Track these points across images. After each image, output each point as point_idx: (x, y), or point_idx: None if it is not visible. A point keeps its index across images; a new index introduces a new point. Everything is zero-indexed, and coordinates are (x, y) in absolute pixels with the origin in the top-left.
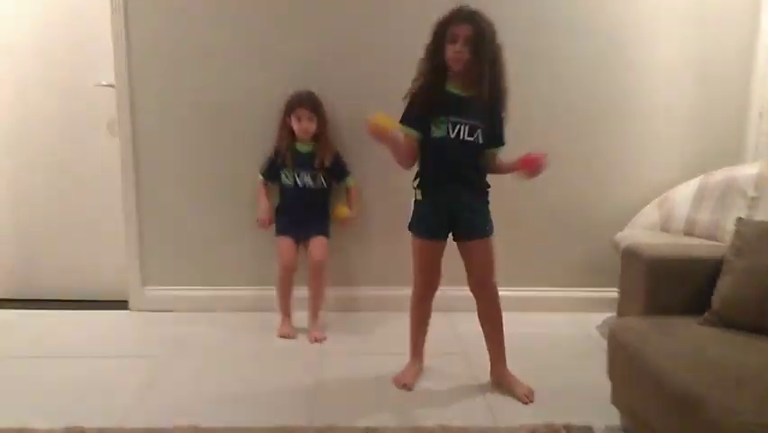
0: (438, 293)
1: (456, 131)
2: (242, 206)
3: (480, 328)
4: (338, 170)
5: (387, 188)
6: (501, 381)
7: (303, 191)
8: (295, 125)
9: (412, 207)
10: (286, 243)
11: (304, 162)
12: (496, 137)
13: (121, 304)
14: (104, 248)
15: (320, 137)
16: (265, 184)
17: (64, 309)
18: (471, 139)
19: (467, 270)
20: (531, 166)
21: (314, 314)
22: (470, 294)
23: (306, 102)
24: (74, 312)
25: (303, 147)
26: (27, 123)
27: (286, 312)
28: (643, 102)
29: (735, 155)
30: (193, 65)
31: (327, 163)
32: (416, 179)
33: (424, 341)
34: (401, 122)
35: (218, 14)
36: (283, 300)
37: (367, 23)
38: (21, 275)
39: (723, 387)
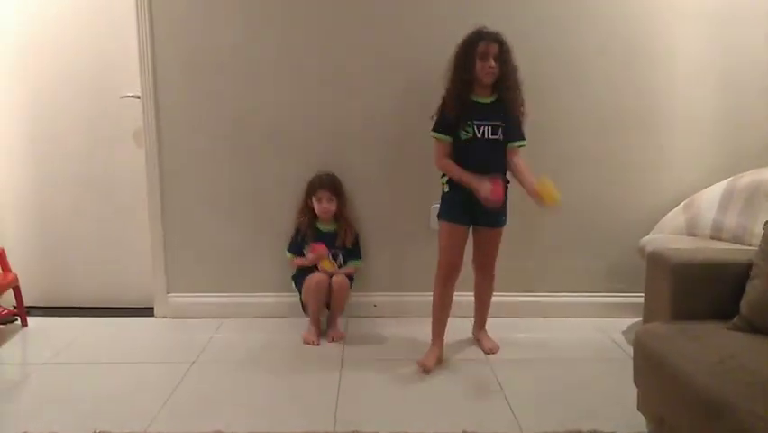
0: (464, 299)
1: (481, 132)
2: (264, 214)
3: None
4: (354, 252)
5: (400, 199)
6: (477, 336)
7: None
8: (316, 206)
9: (440, 201)
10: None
11: (326, 242)
12: (514, 133)
13: (146, 311)
14: (129, 256)
15: (340, 217)
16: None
17: (90, 317)
18: (496, 137)
19: (477, 251)
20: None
21: (333, 321)
22: (498, 300)
23: (326, 184)
24: (100, 319)
25: (325, 226)
26: (54, 133)
27: (314, 321)
28: (668, 104)
29: (762, 157)
30: (217, 76)
31: (349, 244)
32: (443, 175)
33: (444, 327)
34: (434, 129)
35: (244, 26)
36: (313, 310)
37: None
38: (48, 283)
39: (753, 394)
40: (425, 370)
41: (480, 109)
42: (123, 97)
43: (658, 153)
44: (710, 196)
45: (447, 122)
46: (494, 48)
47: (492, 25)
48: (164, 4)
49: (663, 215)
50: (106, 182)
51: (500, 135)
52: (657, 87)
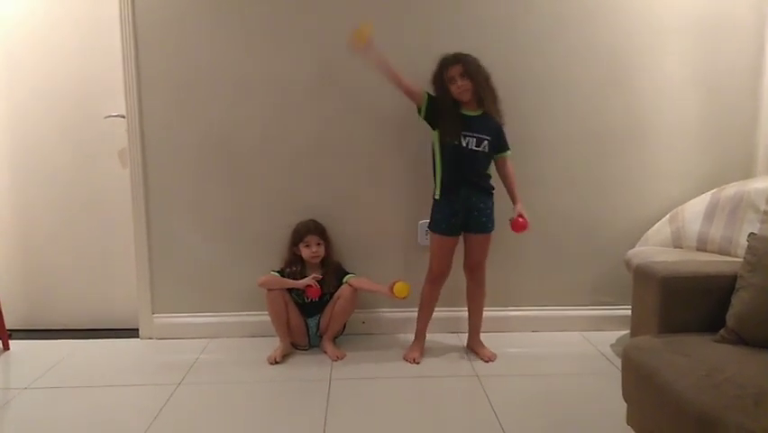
0: (452, 314)
1: (466, 142)
2: (250, 233)
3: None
4: (341, 276)
5: (388, 214)
6: (474, 347)
7: (311, 304)
8: (305, 252)
9: (431, 209)
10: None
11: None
12: (501, 145)
13: (131, 332)
14: (114, 277)
15: (327, 262)
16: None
17: (75, 339)
18: (479, 149)
19: (466, 255)
20: (516, 228)
21: (330, 338)
22: (487, 315)
23: (313, 230)
24: (85, 341)
25: (314, 274)
26: (38, 154)
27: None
28: (652, 118)
29: (745, 169)
30: (202, 96)
31: (333, 288)
32: (435, 176)
33: (427, 324)
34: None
35: (228, 46)
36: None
37: None
38: (32, 305)
39: (741, 407)
40: (415, 361)
41: (469, 122)
42: (107, 117)
43: (643, 166)
44: (695, 208)
45: (440, 105)
46: (457, 68)
47: (476, 43)
48: (149, 24)
49: (649, 227)
50: (91, 202)
51: (484, 148)
52: (641, 100)
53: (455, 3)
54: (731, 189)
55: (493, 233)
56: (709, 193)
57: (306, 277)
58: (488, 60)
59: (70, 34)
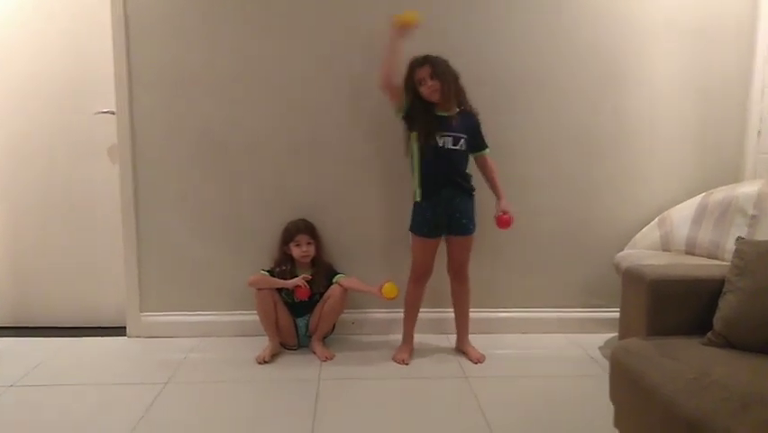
0: (441, 315)
1: (443, 142)
2: (240, 230)
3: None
4: (331, 276)
5: (379, 214)
6: (462, 348)
7: (300, 304)
8: (295, 251)
9: (412, 208)
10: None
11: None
12: (478, 144)
13: (119, 330)
14: (102, 274)
15: (317, 262)
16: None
17: (62, 337)
18: (456, 147)
19: (449, 258)
20: (501, 224)
21: (319, 338)
22: (475, 316)
23: (303, 229)
24: (72, 339)
25: (303, 272)
26: (27, 149)
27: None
28: (642, 121)
29: (734, 174)
30: (193, 92)
31: (323, 288)
32: (414, 178)
33: (413, 325)
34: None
35: (218, 42)
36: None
37: None
38: (18, 302)
39: (729, 410)
40: (404, 362)
41: (444, 122)
42: (97, 113)
43: (632, 169)
44: (684, 212)
45: (413, 110)
46: (426, 69)
47: (467, 44)
48: (140, 21)
49: (638, 230)
50: (80, 199)
51: (461, 146)
52: (631, 104)
53: (447, 5)
54: (719, 194)
55: (482, 234)
56: (698, 197)
57: (296, 276)
58: (486, 62)
59: (60, 30)
